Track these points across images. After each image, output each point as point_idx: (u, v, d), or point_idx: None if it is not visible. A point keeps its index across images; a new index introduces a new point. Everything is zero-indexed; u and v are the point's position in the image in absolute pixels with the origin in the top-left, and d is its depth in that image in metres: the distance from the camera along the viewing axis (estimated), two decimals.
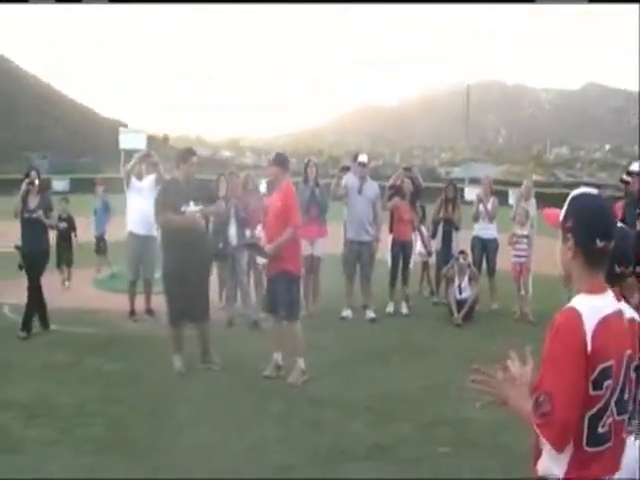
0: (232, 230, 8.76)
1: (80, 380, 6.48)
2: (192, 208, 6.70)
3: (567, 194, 2.40)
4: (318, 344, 7.33)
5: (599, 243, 2.22)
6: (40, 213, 8.13)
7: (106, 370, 6.79)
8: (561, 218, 2.32)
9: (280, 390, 6.29)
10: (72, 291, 11.13)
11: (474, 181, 55.12)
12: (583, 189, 2.38)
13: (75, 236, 11.70)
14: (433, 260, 11.06)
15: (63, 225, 11.35)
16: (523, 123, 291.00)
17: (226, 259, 8.80)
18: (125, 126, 64.84)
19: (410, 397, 6.20)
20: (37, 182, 8.24)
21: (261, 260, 8.48)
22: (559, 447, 2.14)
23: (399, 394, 6.27)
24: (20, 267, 8.34)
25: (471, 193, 37.05)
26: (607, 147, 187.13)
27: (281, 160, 6.83)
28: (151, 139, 59.75)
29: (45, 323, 8.37)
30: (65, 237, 11.48)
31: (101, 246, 12.45)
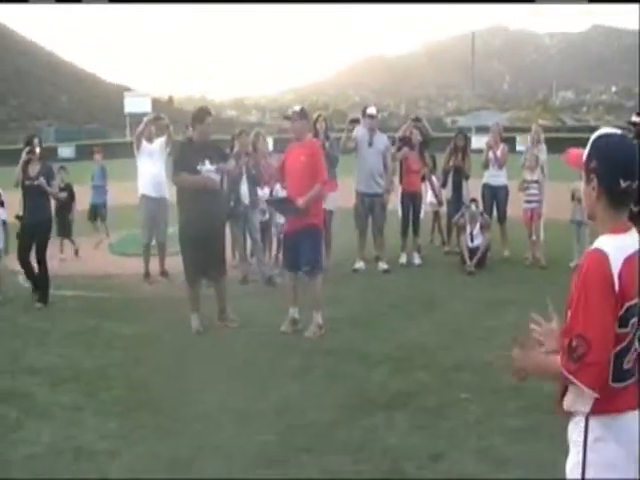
0: (244, 188, 8.69)
1: (101, 344, 6.50)
2: (208, 167, 6.65)
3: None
4: (332, 297, 7.32)
5: (623, 183, 2.19)
6: (42, 180, 7.87)
7: (125, 333, 6.81)
8: (584, 159, 2.29)
9: (298, 345, 6.30)
10: (85, 257, 11.15)
11: (481, 129, 54.64)
12: (606, 129, 2.34)
13: (74, 206, 11.24)
14: (444, 210, 11.00)
15: (63, 195, 10.72)
16: (528, 68, 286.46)
17: (238, 217, 8.75)
18: (129, 90, 64.69)
19: (428, 345, 6.19)
20: (38, 150, 8.03)
21: (280, 219, 8.48)
22: (597, 388, 2.13)
23: (417, 343, 6.27)
24: (18, 236, 8.17)
25: (478, 141, 36.64)
26: (613, 89, 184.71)
27: (306, 114, 6.85)
28: (156, 101, 59.57)
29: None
30: (65, 208, 11.02)
31: (102, 213, 12.16)
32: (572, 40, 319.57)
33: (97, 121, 76.41)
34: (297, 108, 6.88)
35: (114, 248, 11.78)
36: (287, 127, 7.25)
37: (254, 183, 8.82)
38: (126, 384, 5.45)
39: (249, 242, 9.04)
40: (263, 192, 9.05)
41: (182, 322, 6.92)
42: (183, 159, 6.72)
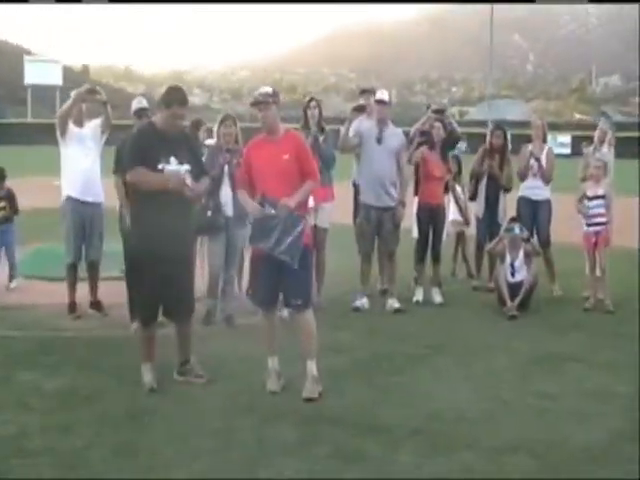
0: (225, 194, 8.45)
1: (12, 404, 6.25)
2: (173, 167, 6.43)
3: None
4: (329, 344, 7.22)
5: None
6: None
7: (47, 388, 6.57)
8: None
9: (292, 409, 6.14)
10: None
11: (499, 124, 55.21)
12: None
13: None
14: (473, 231, 10.98)
15: None
16: (559, 45, 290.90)
17: (217, 233, 8.55)
18: (31, 54, 64.17)
19: (469, 415, 6.07)
20: None
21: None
22: None
23: (453, 411, 6.15)
24: None
25: None
26: None
27: (278, 98, 6.77)
28: (66, 71, 59.22)
29: None
30: None
31: None
32: (619, 8, 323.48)
33: None
34: (268, 89, 6.79)
35: (21, 268, 11.47)
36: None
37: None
38: (52, 461, 5.19)
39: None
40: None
41: (126, 374, 6.77)
42: (139, 151, 6.50)
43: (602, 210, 9.61)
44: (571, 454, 5.39)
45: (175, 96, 6.62)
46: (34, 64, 53.28)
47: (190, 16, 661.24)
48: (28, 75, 52.71)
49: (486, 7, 64.02)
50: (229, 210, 8.50)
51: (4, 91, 72.11)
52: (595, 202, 9.61)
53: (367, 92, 10.29)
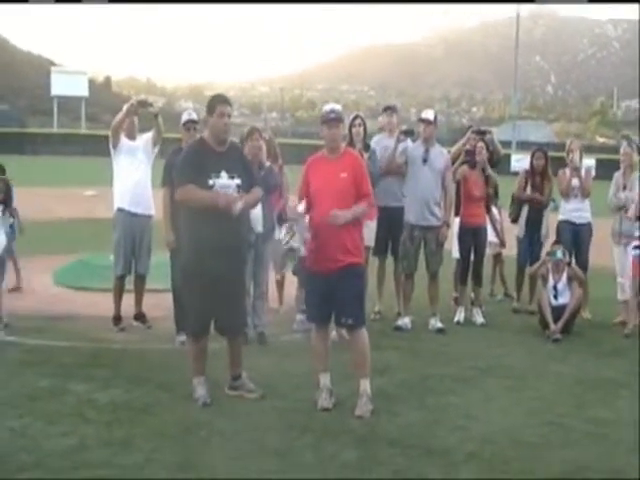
0: (255, 211, 8.29)
1: (68, 415, 6.25)
2: (224, 181, 6.47)
3: None
4: (375, 364, 7.09)
5: None
6: None
7: (101, 401, 6.58)
8: None
9: (347, 428, 6.12)
10: (24, 289, 10.95)
11: (523, 146, 54.96)
12: None
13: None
14: (509, 252, 10.99)
15: None
16: (580, 68, 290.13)
17: (247, 250, 8.51)
18: (55, 65, 64.60)
19: (524, 440, 6.02)
20: None
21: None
22: None
23: (508, 434, 6.11)
24: None
25: (520, 162, 36.86)
26: None
27: (343, 117, 6.80)
28: (88, 83, 59.50)
29: None
30: None
31: None
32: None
33: (12, 100, 76.07)
34: (336, 107, 6.83)
35: (60, 278, 11.56)
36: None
37: (272, 205, 8.61)
38: (115, 476, 5.19)
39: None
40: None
41: (177, 388, 6.82)
42: (189, 168, 6.53)
43: None
44: None
45: (216, 98, 6.70)
46: (61, 75, 53.73)
47: (212, 31, 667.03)
48: (55, 86, 53.15)
49: (507, 28, 63.97)
50: (259, 226, 8.48)
51: (29, 101, 72.62)
52: None
53: (390, 109, 10.34)
